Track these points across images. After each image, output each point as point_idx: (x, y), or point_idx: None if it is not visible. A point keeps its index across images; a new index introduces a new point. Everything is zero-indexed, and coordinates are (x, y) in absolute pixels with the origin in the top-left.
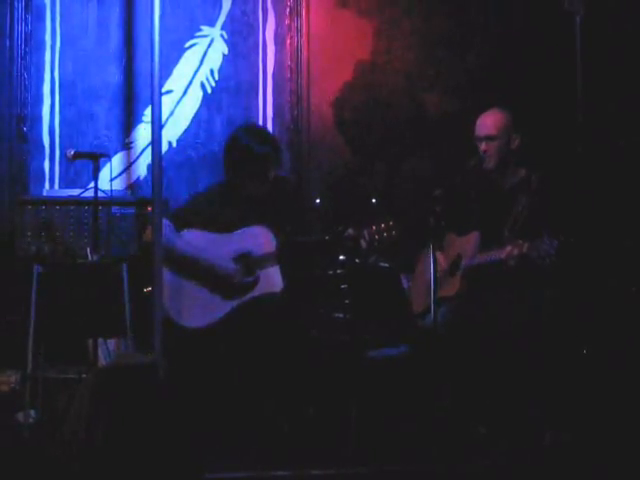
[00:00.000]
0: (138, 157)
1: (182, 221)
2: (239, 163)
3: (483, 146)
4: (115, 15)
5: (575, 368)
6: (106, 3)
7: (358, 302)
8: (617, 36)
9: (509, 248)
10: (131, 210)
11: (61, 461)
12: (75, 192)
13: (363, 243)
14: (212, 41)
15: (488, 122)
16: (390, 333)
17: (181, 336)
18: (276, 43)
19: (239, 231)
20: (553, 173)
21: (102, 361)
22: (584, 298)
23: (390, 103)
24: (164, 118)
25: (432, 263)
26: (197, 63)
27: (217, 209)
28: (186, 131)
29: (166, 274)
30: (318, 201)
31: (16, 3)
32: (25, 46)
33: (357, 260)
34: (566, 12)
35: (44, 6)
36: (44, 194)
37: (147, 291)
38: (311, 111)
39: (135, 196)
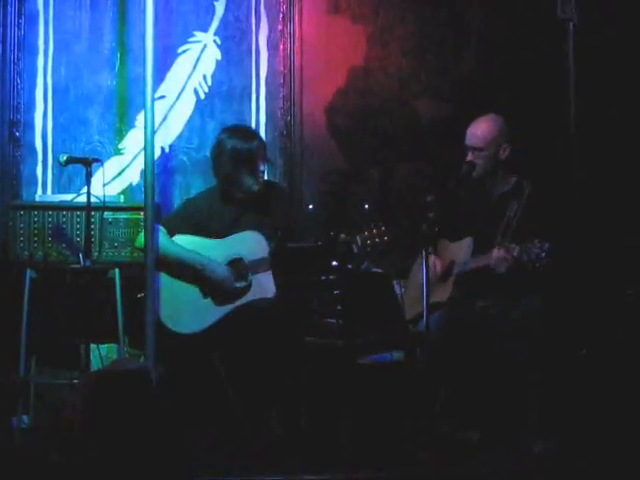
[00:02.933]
0: (131, 162)
1: (175, 226)
2: (228, 165)
3: (469, 156)
4: (108, 20)
5: (568, 373)
6: (99, 8)
7: (351, 308)
8: (610, 42)
9: (500, 252)
10: (124, 215)
11: (54, 465)
12: (68, 197)
13: (355, 249)
14: (205, 47)
15: (477, 133)
16: (383, 339)
17: (174, 342)
18: (269, 49)
19: (232, 236)
20: (544, 179)
21: (94, 366)
22: (576, 302)
23: (383, 109)
24: (157, 123)
25: (424, 269)
26: (190, 68)
27: (210, 214)
28: (179, 136)
29: (159, 279)
30: (311, 207)
31: (9, 8)
32: (18, 51)
33: (350, 266)
34: (559, 18)
35: (37, 11)
36: (37, 199)
37: (140, 296)
38: (304, 117)
39: (128, 201)
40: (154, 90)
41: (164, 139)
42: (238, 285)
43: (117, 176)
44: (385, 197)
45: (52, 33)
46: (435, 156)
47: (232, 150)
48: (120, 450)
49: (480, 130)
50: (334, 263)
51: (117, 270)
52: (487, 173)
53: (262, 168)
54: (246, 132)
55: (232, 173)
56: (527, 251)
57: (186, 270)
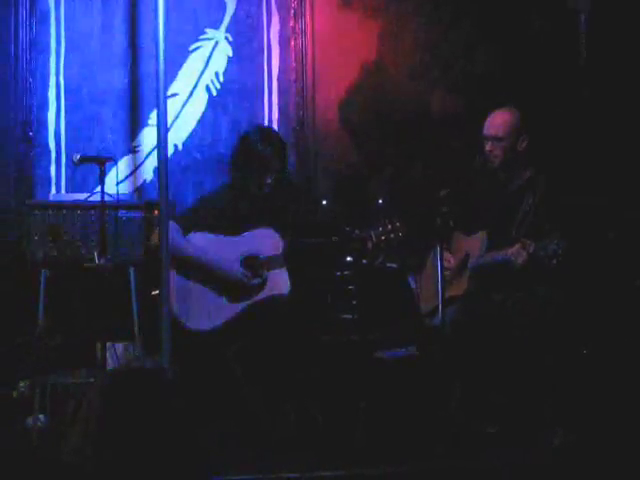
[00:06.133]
0: (144, 160)
1: (189, 224)
2: (240, 160)
3: (489, 146)
4: (119, 19)
5: (583, 367)
6: (110, 7)
7: (366, 303)
8: (622, 34)
9: (516, 248)
10: (138, 214)
11: (70, 466)
12: (82, 196)
13: (370, 244)
14: (217, 44)
15: (496, 122)
16: (398, 333)
17: (189, 339)
18: (281, 45)
19: (246, 233)
20: (559, 174)
21: (110, 365)
22: (590, 297)
23: (396, 103)
24: (169, 121)
25: (439, 263)
26: (202, 66)
27: (224, 211)
28: (192, 134)
29: (173, 277)
30: (324, 202)
31: (20, 8)
32: (30, 51)
33: (364, 261)
34: (571, 10)
35: (48, 11)
36: (50, 199)
37: (154, 294)
38: (316, 112)
39: (142, 199)
40: (166, 88)
41: (177, 137)
42: (253, 282)
43: (131, 174)
44: (399, 192)
45: (64, 33)
46: (448, 150)
47: (248, 148)
48: (136, 449)
49: (500, 120)
50: (349, 259)
51: (132, 268)
52: (505, 164)
53: (269, 178)
54: (269, 137)
55: (249, 174)
56: (543, 248)
57: (199, 270)
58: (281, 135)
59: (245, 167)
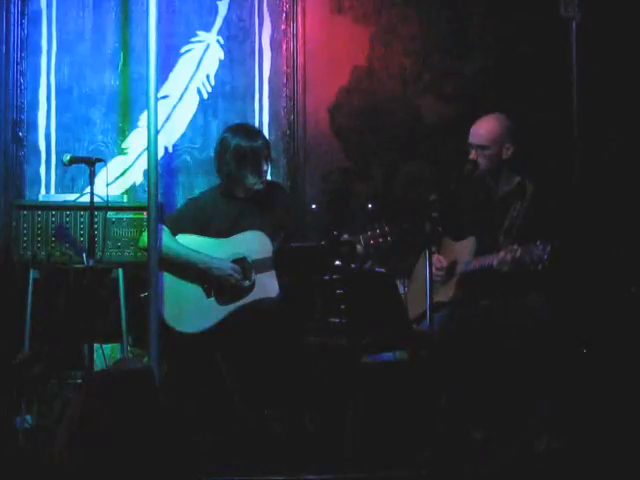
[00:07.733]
0: (134, 162)
1: (178, 226)
2: (231, 163)
3: (472, 154)
4: (111, 20)
5: (571, 373)
6: (102, 8)
7: (354, 307)
8: (614, 41)
9: (502, 253)
10: (127, 215)
11: (56, 466)
12: (71, 197)
13: (359, 248)
14: (208, 46)
15: (481, 131)
16: (386, 338)
17: (177, 341)
18: (272, 48)
19: (235, 236)
20: (547, 179)
21: (98, 366)
22: (578, 302)
23: (386, 108)
24: (160, 123)
25: (428, 268)
26: (193, 68)
27: (212, 213)
28: (182, 136)
29: (162, 279)
30: (314, 206)
31: (12, 8)
32: (21, 51)
33: (353, 265)
34: (562, 18)
35: (40, 11)
36: (40, 199)
37: (143, 296)
38: (307, 116)
39: (131, 201)
40: (157, 90)
41: (167, 139)
42: (242, 284)
43: (120, 176)
44: (388, 196)
45: (55, 33)
46: (438, 155)
47: (235, 148)
48: (124, 450)
49: (484, 129)
50: (337, 263)
51: (120, 270)
52: (490, 172)
53: (265, 167)
54: (250, 131)
55: (235, 171)
56: (529, 252)
57: (190, 270)
58: (254, 126)
59: (237, 167)
